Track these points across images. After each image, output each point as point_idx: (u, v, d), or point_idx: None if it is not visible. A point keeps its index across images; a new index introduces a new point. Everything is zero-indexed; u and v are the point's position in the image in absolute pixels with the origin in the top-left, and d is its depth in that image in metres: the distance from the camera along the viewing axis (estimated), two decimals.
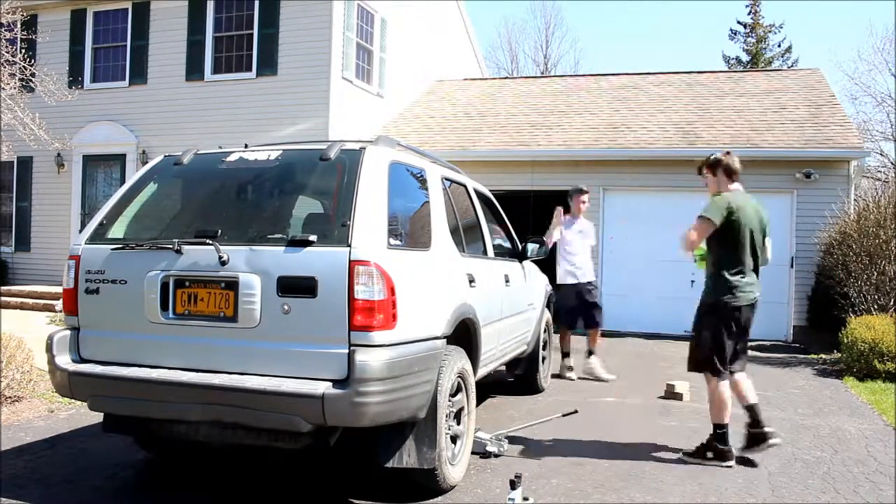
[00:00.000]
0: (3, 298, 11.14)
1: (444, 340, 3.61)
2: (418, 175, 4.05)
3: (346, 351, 3.09)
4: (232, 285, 3.27)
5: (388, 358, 3.11)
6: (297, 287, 3.16)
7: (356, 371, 3.04)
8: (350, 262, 3.11)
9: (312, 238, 3.21)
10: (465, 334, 3.99)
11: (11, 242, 13.77)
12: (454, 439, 3.78)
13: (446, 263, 3.95)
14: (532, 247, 5.69)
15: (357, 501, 3.61)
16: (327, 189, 3.63)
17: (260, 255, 3.26)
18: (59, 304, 10.41)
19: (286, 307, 3.18)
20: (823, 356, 8.86)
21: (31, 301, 11.29)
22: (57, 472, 4.02)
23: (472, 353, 4.09)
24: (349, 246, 3.14)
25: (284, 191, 3.73)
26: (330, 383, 3.06)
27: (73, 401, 5.79)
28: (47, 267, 12.81)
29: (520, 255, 5.71)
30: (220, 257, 3.28)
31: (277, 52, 12.06)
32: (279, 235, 3.36)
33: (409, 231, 3.78)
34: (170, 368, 3.36)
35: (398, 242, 3.44)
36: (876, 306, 8.62)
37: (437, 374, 3.49)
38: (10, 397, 5.56)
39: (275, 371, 3.19)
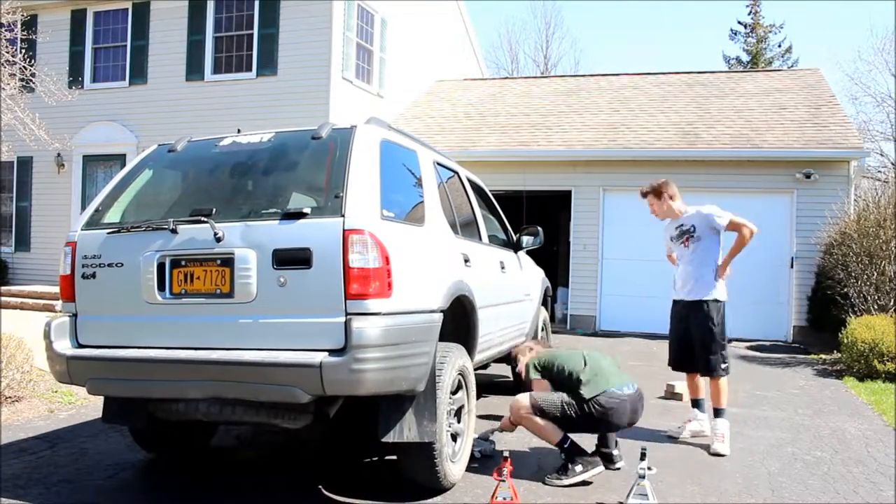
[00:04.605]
0: (3, 298, 11.14)
1: (441, 314, 3.60)
2: (410, 156, 4.07)
3: (343, 320, 3.08)
4: (228, 261, 3.28)
5: (384, 325, 3.11)
6: (293, 259, 3.17)
7: (353, 338, 3.04)
8: (344, 231, 3.12)
9: (306, 210, 3.23)
10: (462, 314, 4.00)
11: (11, 242, 13.78)
12: (455, 437, 3.78)
13: (441, 240, 3.96)
14: (527, 238, 5.72)
15: (358, 501, 3.61)
16: (320, 164, 3.63)
17: (255, 230, 3.27)
18: (59, 304, 10.41)
19: (282, 280, 3.19)
20: (823, 356, 8.86)
21: (31, 301, 11.29)
22: (57, 472, 4.02)
23: (470, 334, 4.10)
24: (342, 216, 3.15)
25: (278, 168, 3.73)
26: (327, 353, 3.06)
27: (73, 401, 5.81)
28: (47, 267, 12.81)
29: (515, 246, 5.74)
30: (216, 234, 3.29)
31: (277, 52, 12.07)
32: (273, 210, 3.37)
33: (402, 206, 3.77)
34: (168, 348, 3.35)
35: (392, 214, 3.44)
36: (876, 306, 8.62)
37: (434, 347, 3.48)
38: (10, 397, 5.56)
39: (273, 344, 3.19)
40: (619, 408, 3.87)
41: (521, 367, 4.36)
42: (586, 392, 3.86)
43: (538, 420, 3.96)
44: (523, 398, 4.04)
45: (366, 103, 12.83)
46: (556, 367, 4.06)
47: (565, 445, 3.96)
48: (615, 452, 4.08)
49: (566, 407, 3.90)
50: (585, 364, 3.98)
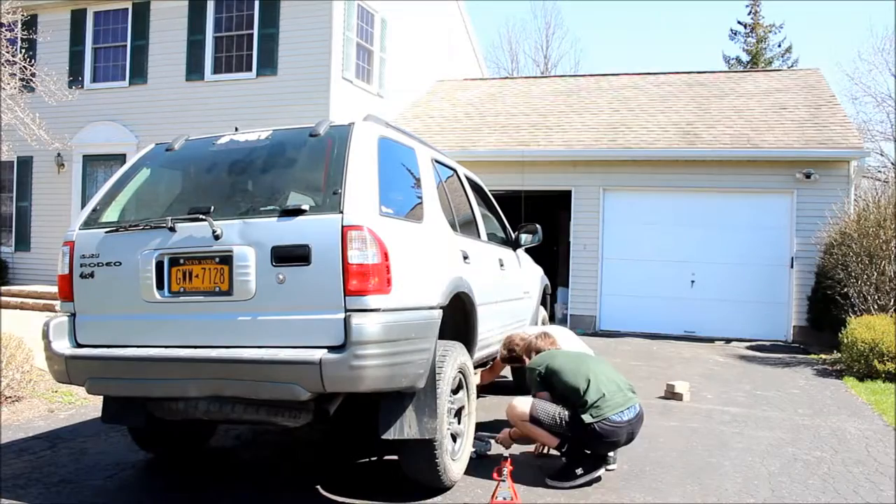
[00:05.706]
0: (3, 298, 11.14)
1: (440, 311, 3.60)
2: (408, 153, 4.07)
3: (343, 316, 3.08)
4: (226, 259, 3.28)
5: (384, 321, 3.12)
6: (291, 256, 3.17)
7: (353, 335, 3.04)
8: (343, 227, 3.12)
9: (305, 207, 3.23)
10: (461, 311, 4.00)
11: (11, 242, 13.78)
12: (455, 437, 3.78)
13: (439, 237, 3.96)
14: (526, 236, 5.72)
15: (357, 502, 3.60)
16: (318, 161, 3.62)
17: (253, 228, 3.27)
18: (59, 304, 10.40)
19: (281, 277, 3.19)
20: (823, 356, 8.87)
21: (31, 301, 11.29)
22: (57, 472, 4.02)
23: (470, 331, 4.10)
24: (341, 212, 3.16)
25: (276, 165, 3.72)
26: (327, 350, 3.06)
27: (73, 401, 5.81)
28: (47, 267, 12.80)
29: (513, 244, 5.75)
30: (214, 232, 3.28)
31: (277, 52, 12.06)
32: (272, 207, 3.37)
33: (400, 203, 3.78)
34: (167, 347, 3.35)
35: (390, 211, 3.44)
36: (876, 306, 8.62)
37: (434, 343, 3.47)
38: (10, 397, 5.56)
39: (272, 342, 3.19)
40: (615, 434, 3.86)
41: (525, 362, 4.39)
42: (586, 417, 3.84)
43: (536, 428, 3.98)
44: (521, 405, 4.03)
45: (366, 103, 12.83)
46: (559, 381, 4.02)
47: (563, 449, 3.97)
48: (611, 454, 4.09)
49: (563, 424, 3.92)
50: (589, 385, 3.91)
